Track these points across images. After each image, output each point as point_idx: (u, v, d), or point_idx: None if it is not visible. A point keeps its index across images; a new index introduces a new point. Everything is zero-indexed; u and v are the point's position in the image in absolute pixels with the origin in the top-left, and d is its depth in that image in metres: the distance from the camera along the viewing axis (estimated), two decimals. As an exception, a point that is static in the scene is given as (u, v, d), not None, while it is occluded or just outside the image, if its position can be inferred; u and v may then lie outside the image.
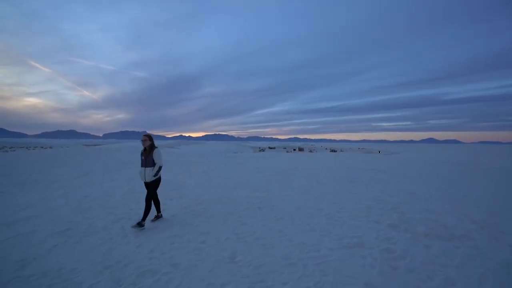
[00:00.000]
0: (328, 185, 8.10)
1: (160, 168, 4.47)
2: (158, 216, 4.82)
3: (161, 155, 4.53)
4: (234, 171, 11.64)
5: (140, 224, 4.27)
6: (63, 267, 3.15)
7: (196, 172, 10.87)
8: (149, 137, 4.47)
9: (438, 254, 3.38)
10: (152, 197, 4.54)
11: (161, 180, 4.74)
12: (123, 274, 2.97)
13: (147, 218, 4.54)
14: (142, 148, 4.56)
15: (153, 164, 4.42)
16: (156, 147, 4.50)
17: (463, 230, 4.21)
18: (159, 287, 2.72)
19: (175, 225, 4.53)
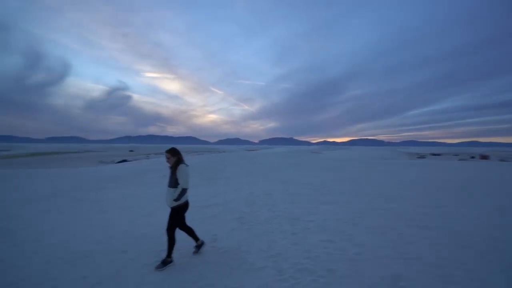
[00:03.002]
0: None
1: (183, 191, 3.37)
2: (199, 245, 3.76)
3: (188, 174, 3.44)
4: (386, 179, 10.26)
5: (165, 262, 3.37)
6: (239, 247, 3.92)
7: (342, 178, 10.49)
8: (172, 152, 3.49)
9: None
10: (169, 228, 3.43)
11: (188, 206, 3.60)
12: (284, 266, 3.30)
13: (172, 252, 3.47)
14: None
15: (176, 184, 3.39)
16: (182, 163, 3.45)
17: None
18: (317, 287, 2.79)
19: (327, 231, 4.53)
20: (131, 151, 79.78)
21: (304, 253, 3.66)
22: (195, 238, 3.74)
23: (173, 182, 3.39)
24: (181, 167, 3.39)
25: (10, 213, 6.15)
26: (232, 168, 14.21)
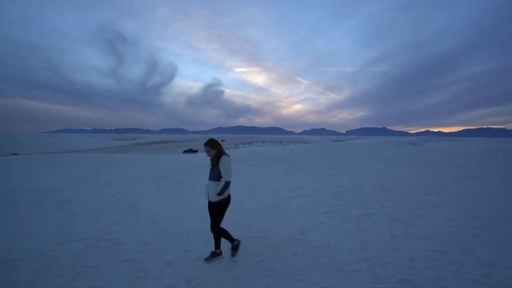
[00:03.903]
0: None
1: (227, 184, 3.18)
2: (216, 254, 3.37)
3: (231, 165, 3.23)
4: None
5: (234, 249, 3.39)
6: (329, 243, 3.72)
7: (454, 176, 8.56)
8: (212, 144, 3.27)
9: None
10: (215, 224, 3.30)
11: (230, 201, 3.41)
12: (382, 273, 2.92)
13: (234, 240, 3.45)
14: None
15: (218, 177, 3.22)
16: (225, 155, 3.23)
17: None
18: (427, 307, 2.34)
19: (437, 238, 3.78)
20: (223, 140, 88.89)
21: (408, 262, 3.14)
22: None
23: (215, 175, 3.22)
24: (224, 158, 3.20)
25: (135, 189, 7.78)
26: (318, 159, 13.77)
